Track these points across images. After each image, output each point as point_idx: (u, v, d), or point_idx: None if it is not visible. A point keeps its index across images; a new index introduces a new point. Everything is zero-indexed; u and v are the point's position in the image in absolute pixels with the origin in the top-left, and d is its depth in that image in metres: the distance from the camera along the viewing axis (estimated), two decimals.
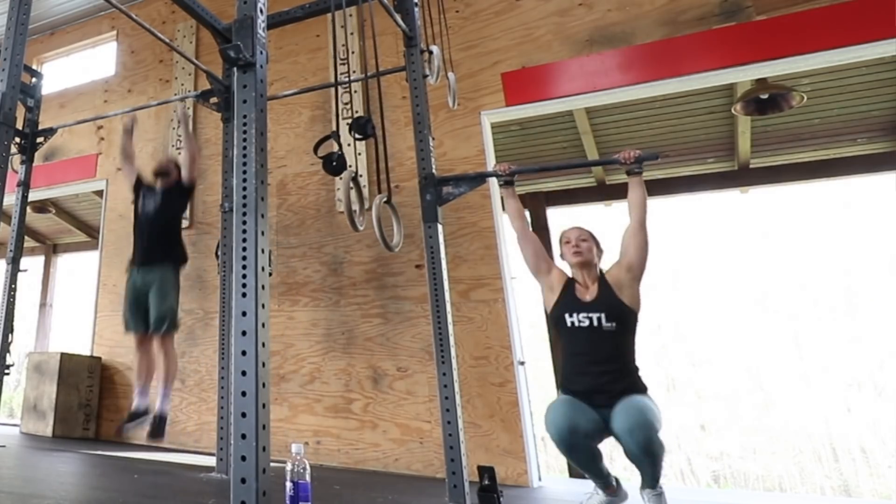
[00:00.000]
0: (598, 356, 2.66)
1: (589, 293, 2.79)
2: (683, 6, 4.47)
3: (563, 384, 2.78)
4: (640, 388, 2.64)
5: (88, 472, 3.65)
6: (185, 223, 5.93)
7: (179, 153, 6.14)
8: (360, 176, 5.01)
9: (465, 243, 4.65)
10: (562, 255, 2.92)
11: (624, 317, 2.70)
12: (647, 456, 2.46)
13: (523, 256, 3.04)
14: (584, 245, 2.83)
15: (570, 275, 2.90)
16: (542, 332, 6.45)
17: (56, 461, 3.91)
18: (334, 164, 2.37)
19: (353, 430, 4.73)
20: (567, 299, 2.81)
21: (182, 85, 6.36)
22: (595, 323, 2.69)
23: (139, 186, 4.33)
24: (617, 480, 2.77)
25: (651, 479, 2.59)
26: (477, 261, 4.59)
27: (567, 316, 2.76)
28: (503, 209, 3.68)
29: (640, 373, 2.70)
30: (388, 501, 2.95)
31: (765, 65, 4.18)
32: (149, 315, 3.99)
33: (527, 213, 6.56)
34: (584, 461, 2.63)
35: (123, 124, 4.47)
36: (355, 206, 2.42)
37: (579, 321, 2.72)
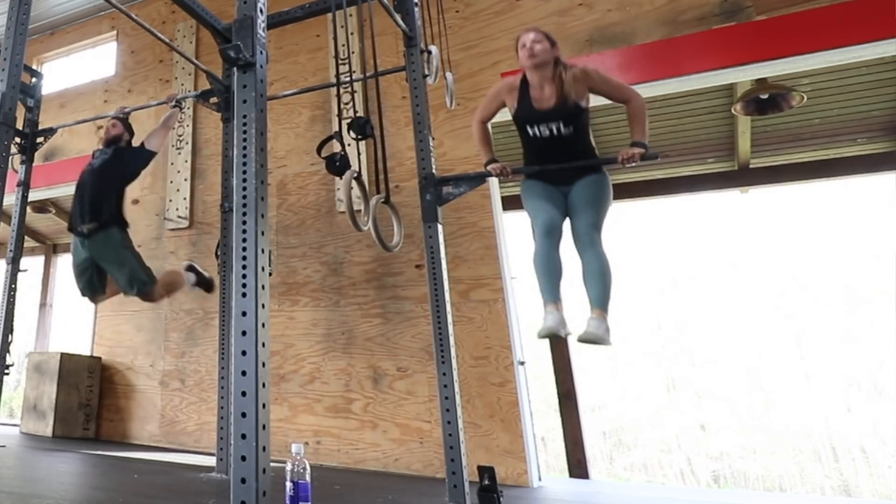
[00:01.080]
0: (558, 156, 2.96)
1: (545, 100, 2.97)
2: (683, 6, 4.47)
3: (530, 175, 3.09)
4: (595, 167, 2.98)
5: (88, 472, 3.65)
6: (184, 223, 5.97)
7: (179, 152, 6.15)
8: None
9: (465, 243, 4.65)
10: (519, 60, 3.07)
11: (581, 118, 2.97)
12: (591, 241, 2.77)
13: (484, 113, 3.26)
14: (539, 47, 2.95)
15: (520, 76, 3.08)
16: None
17: (56, 461, 3.91)
18: (337, 164, 2.37)
19: (353, 430, 4.73)
20: (525, 107, 3.00)
21: (182, 85, 6.36)
22: (555, 132, 2.94)
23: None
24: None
25: (599, 281, 2.73)
26: (477, 261, 4.59)
27: (528, 127, 3.00)
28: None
29: (595, 151, 3.10)
30: (388, 501, 2.95)
31: (765, 65, 4.18)
32: (101, 281, 3.88)
33: (526, 214, 6.57)
34: (553, 267, 2.84)
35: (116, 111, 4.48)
36: (358, 206, 2.42)
37: (540, 132, 2.96)
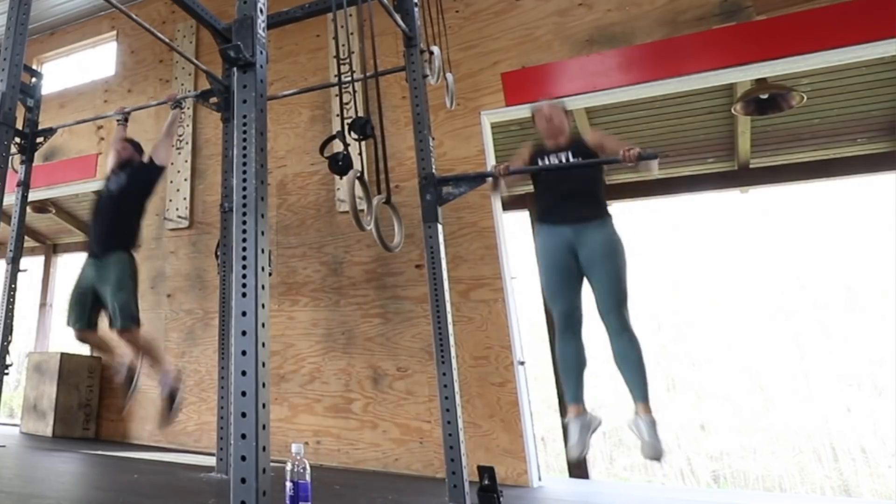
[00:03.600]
0: (566, 185, 3.08)
1: (559, 141, 3.22)
2: (683, 6, 4.47)
3: (538, 216, 3.21)
4: (602, 209, 3.06)
5: (88, 472, 3.65)
6: (184, 223, 5.97)
7: (179, 152, 6.15)
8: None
9: (465, 243, 4.65)
10: (538, 127, 3.31)
11: (590, 155, 3.10)
12: (614, 286, 2.80)
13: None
14: (557, 119, 3.24)
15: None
16: (542, 332, 6.45)
17: (56, 461, 3.91)
18: (340, 163, 2.37)
19: (353, 430, 4.73)
20: (537, 150, 3.25)
21: (182, 85, 6.36)
22: (563, 160, 3.10)
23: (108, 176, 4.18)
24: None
25: (636, 369, 2.72)
26: (477, 261, 4.59)
27: (539, 160, 3.17)
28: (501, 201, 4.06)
29: (603, 198, 3.14)
30: (388, 501, 2.95)
31: (765, 65, 4.18)
32: (93, 311, 3.83)
33: (526, 214, 6.57)
34: (573, 364, 2.88)
35: (118, 116, 4.50)
36: (362, 206, 2.42)
37: (549, 161, 3.14)
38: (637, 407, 2.70)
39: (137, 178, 4.05)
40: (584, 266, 2.92)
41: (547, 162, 3.12)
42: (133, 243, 3.93)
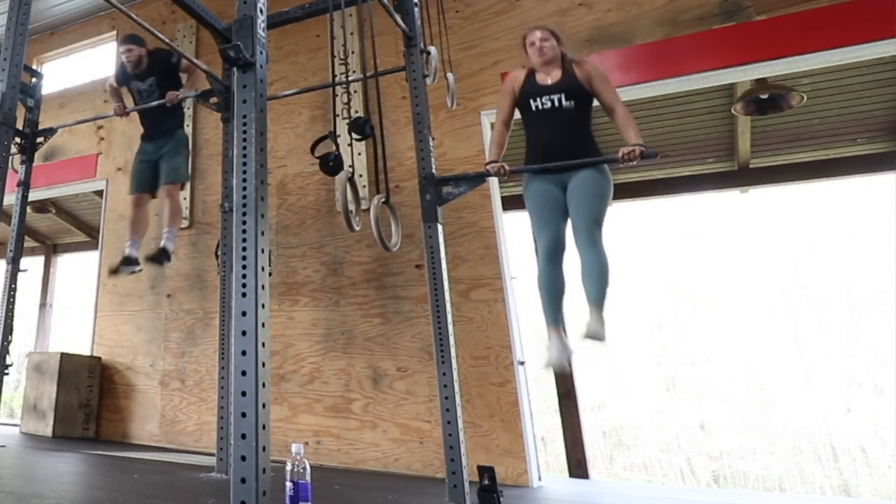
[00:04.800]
0: (559, 133, 3.02)
1: (551, 77, 3.11)
2: (683, 6, 4.47)
3: (529, 160, 3.15)
4: (595, 155, 3.02)
5: (88, 472, 3.65)
6: (185, 223, 5.96)
7: None
8: (360, 176, 5.01)
9: (465, 243, 4.65)
10: (529, 56, 3.22)
11: (582, 97, 3.04)
12: (591, 240, 2.82)
13: (503, 114, 3.33)
14: (548, 44, 3.13)
15: (527, 68, 3.21)
16: (542, 332, 6.45)
17: (56, 461, 3.91)
18: (331, 164, 2.37)
19: (353, 430, 4.74)
20: (529, 86, 3.13)
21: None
22: (556, 104, 3.02)
23: (125, 80, 4.62)
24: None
25: (598, 280, 2.80)
26: (477, 261, 4.59)
27: (531, 101, 3.08)
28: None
29: (595, 141, 3.10)
30: (388, 501, 2.95)
31: (765, 65, 4.18)
32: (153, 178, 4.43)
33: (526, 214, 6.57)
34: (553, 289, 2.93)
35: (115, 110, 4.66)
36: (351, 207, 2.42)
37: (542, 104, 3.05)
38: (591, 310, 2.83)
39: (165, 76, 4.47)
40: (568, 196, 2.97)
41: (539, 104, 3.06)
42: (182, 123, 4.65)
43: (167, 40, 3.72)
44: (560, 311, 2.96)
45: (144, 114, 4.54)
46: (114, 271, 4.39)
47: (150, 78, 4.49)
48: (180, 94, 4.30)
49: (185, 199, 6.03)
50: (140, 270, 4.48)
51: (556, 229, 2.96)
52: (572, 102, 3.02)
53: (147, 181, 4.47)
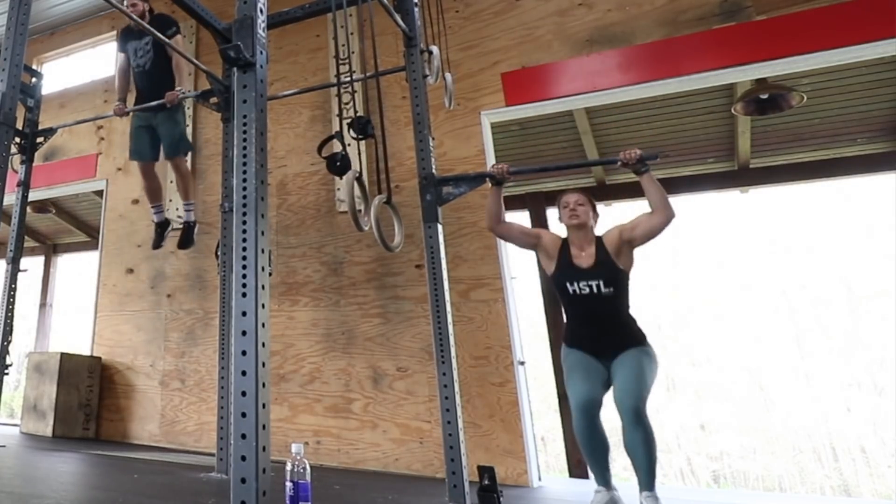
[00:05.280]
0: (598, 317, 2.90)
1: (585, 258, 2.98)
2: (683, 6, 4.47)
3: (568, 339, 3.01)
4: (639, 339, 2.88)
5: (88, 472, 3.65)
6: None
7: None
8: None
9: (465, 243, 4.65)
10: (559, 219, 3.09)
11: (620, 281, 2.91)
12: (637, 418, 2.70)
13: (514, 245, 3.27)
14: (581, 209, 3.01)
15: (562, 236, 3.08)
16: (542, 332, 6.45)
17: (56, 461, 3.91)
18: (338, 164, 2.37)
19: (353, 430, 4.74)
20: (565, 266, 2.99)
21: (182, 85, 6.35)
22: (595, 290, 2.89)
23: (125, 42, 4.63)
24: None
25: (645, 460, 2.74)
26: (477, 261, 4.59)
27: (568, 285, 2.95)
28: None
29: (638, 323, 2.94)
30: (388, 501, 2.95)
31: (765, 65, 4.18)
32: (153, 145, 4.52)
33: (526, 214, 6.57)
34: (596, 445, 2.85)
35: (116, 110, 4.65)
36: (359, 206, 2.42)
37: (580, 289, 2.92)
38: (642, 489, 2.78)
39: (163, 48, 4.41)
40: (613, 371, 2.85)
41: (576, 289, 2.91)
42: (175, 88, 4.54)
43: (167, 40, 3.72)
44: (607, 470, 2.87)
45: (139, 77, 4.55)
46: (156, 245, 4.84)
47: (148, 37, 4.48)
48: (180, 95, 4.30)
49: None
50: (172, 231, 4.88)
51: (592, 389, 2.83)
52: (611, 289, 2.87)
53: (147, 150, 4.54)
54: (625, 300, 2.93)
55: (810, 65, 4.17)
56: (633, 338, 2.88)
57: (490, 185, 3.19)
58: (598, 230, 3.07)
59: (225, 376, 3.78)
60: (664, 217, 2.87)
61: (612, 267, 2.90)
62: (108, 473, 3.60)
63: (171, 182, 6.15)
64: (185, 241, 4.75)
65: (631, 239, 2.92)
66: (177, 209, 6.04)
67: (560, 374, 5.85)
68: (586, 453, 2.91)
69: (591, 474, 3.13)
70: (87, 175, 6.94)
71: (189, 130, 6.19)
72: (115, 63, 4.89)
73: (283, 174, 5.61)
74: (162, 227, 4.80)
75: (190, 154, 4.85)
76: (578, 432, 2.86)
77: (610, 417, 2.89)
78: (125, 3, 4.48)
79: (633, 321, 2.93)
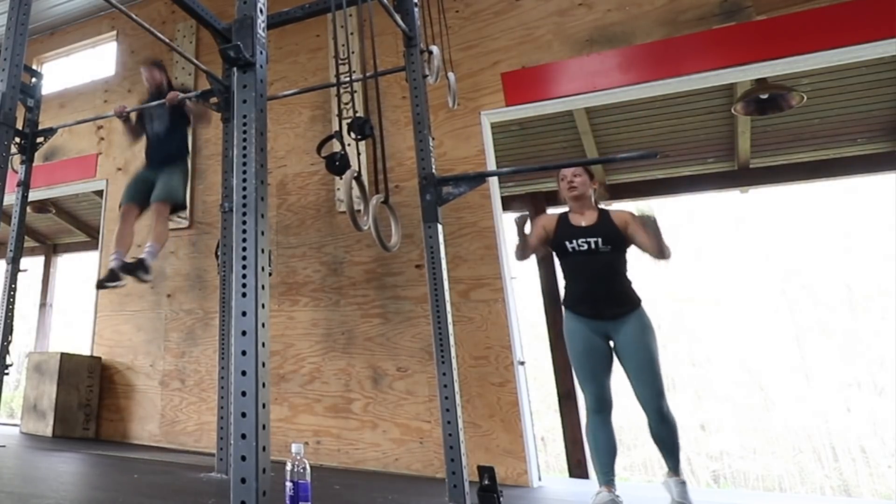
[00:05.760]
0: (596, 274, 3.00)
1: (585, 219, 3.10)
2: (683, 6, 4.47)
3: (568, 303, 3.10)
4: (635, 301, 2.98)
5: (88, 472, 3.65)
6: (185, 223, 5.97)
7: None
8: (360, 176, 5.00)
9: (465, 243, 4.65)
10: (560, 193, 3.23)
11: (619, 242, 3.02)
12: (661, 415, 2.84)
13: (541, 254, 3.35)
14: (578, 180, 3.15)
15: (557, 213, 3.21)
16: (542, 332, 6.45)
17: (56, 461, 3.91)
18: (337, 163, 2.37)
19: (353, 430, 4.74)
20: (564, 228, 3.12)
21: (182, 85, 6.35)
22: (593, 247, 3.00)
23: (141, 117, 4.60)
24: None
25: (672, 449, 2.88)
26: (477, 261, 4.59)
27: (567, 243, 3.06)
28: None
29: (633, 286, 3.04)
30: (388, 501, 2.95)
31: (765, 65, 4.18)
32: (146, 194, 4.28)
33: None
34: (603, 446, 2.94)
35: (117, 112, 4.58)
36: (358, 206, 2.42)
37: (578, 246, 3.03)
38: (669, 472, 2.95)
39: (181, 115, 4.43)
40: (619, 353, 2.96)
41: (575, 245, 3.02)
42: (185, 154, 4.56)
43: (167, 40, 3.72)
44: (611, 470, 2.94)
45: (149, 144, 4.51)
46: (100, 286, 4.22)
47: (168, 119, 4.47)
48: (180, 95, 4.29)
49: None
50: (124, 285, 4.25)
51: (599, 386, 2.95)
52: (609, 247, 2.98)
53: (139, 195, 4.33)
54: (623, 260, 3.03)
55: (810, 65, 4.17)
56: (630, 300, 2.97)
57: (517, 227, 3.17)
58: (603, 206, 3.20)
59: (225, 376, 3.78)
60: (656, 258, 2.98)
61: (612, 228, 3.02)
62: (108, 473, 3.60)
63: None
64: (132, 268, 4.07)
65: (630, 236, 3.02)
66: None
67: (560, 373, 5.85)
68: (593, 452, 2.99)
69: (592, 474, 3.19)
70: (87, 175, 6.94)
71: (189, 131, 6.19)
72: (126, 113, 4.65)
73: (283, 174, 5.61)
74: (113, 276, 4.14)
75: (178, 202, 4.37)
76: (590, 433, 2.97)
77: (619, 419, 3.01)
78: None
79: (630, 283, 3.02)
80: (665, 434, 2.88)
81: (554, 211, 3.31)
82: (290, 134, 5.67)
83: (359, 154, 2.75)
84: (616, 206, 3.22)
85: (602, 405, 2.95)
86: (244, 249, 1.82)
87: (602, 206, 3.18)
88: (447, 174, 3.70)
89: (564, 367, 5.80)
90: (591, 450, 3.01)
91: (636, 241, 3.00)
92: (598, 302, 2.96)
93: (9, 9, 3.12)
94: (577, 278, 3.07)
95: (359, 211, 2.43)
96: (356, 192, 2.47)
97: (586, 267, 3.01)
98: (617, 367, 2.99)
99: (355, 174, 2.42)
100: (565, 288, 3.16)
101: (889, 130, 5.43)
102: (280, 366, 5.12)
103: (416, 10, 3.57)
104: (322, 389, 4.95)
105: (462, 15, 5.15)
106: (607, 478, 2.92)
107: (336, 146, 2.40)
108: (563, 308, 3.14)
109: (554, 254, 3.19)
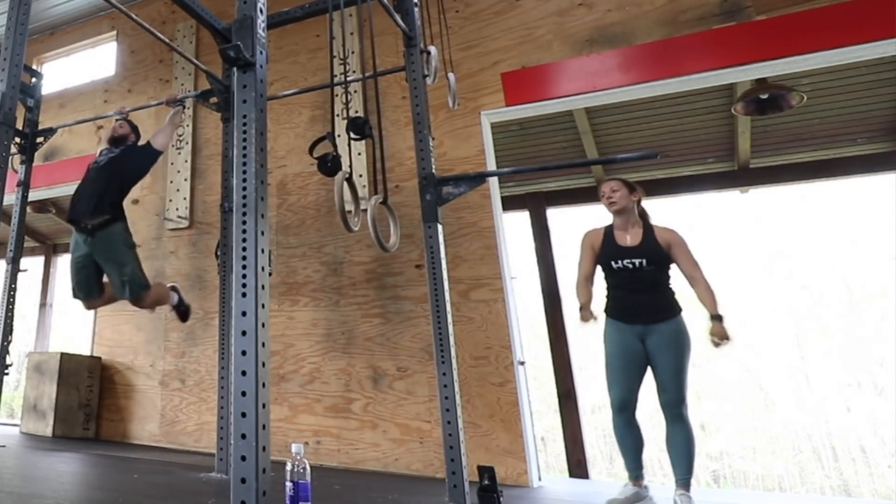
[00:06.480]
0: (638, 288, 3.09)
1: (630, 237, 3.17)
2: (683, 6, 4.47)
3: (609, 311, 3.19)
4: (674, 309, 3.08)
5: (88, 472, 3.65)
6: (184, 223, 5.97)
7: (179, 152, 6.15)
8: (360, 176, 5.01)
9: (465, 243, 4.65)
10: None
11: (662, 260, 3.11)
12: (677, 419, 2.92)
13: (586, 268, 3.37)
14: (617, 195, 3.21)
15: (603, 227, 3.29)
16: (542, 332, 6.45)
17: (56, 461, 3.91)
18: (329, 164, 2.37)
19: (353, 430, 4.73)
20: (609, 246, 3.19)
21: (182, 85, 6.35)
22: (637, 266, 3.09)
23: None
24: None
25: (683, 457, 2.93)
26: (477, 261, 4.59)
27: (613, 262, 3.15)
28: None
29: (676, 296, 3.13)
30: (388, 501, 2.95)
31: (765, 65, 4.18)
32: (97, 281, 3.82)
33: (527, 214, 6.57)
34: (630, 442, 3.04)
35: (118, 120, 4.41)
36: (349, 207, 2.41)
37: (623, 265, 3.11)
38: (678, 486, 2.98)
39: (132, 154, 3.97)
40: (650, 353, 3.03)
41: (620, 265, 3.12)
42: (122, 214, 3.80)
43: (167, 40, 3.72)
44: (640, 466, 3.06)
45: (81, 191, 3.88)
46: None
47: (110, 153, 4.00)
48: (180, 95, 4.27)
49: (185, 199, 6.04)
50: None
51: (628, 389, 3.03)
52: (654, 267, 3.09)
53: (93, 287, 3.85)
54: (666, 276, 3.12)
55: (810, 65, 4.17)
56: (670, 308, 3.05)
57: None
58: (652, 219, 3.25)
59: (225, 376, 3.78)
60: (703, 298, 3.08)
61: (656, 248, 3.10)
62: (108, 473, 3.60)
63: (171, 182, 6.16)
64: (184, 314, 4.22)
65: (673, 258, 3.12)
66: (177, 209, 6.06)
67: (560, 373, 5.85)
68: (621, 449, 3.10)
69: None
70: None
71: (189, 132, 6.20)
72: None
73: (283, 174, 5.61)
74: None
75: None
76: (617, 430, 3.06)
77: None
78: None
79: (673, 293, 3.11)
80: (679, 439, 2.94)
81: (556, 210, 3.33)
82: (290, 134, 5.67)
83: (358, 154, 2.75)
84: (660, 223, 3.27)
85: (626, 405, 3.03)
86: (244, 249, 1.82)
87: (648, 218, 3.24)
88: (447, 174, 3.70)
89: (564, 366, 5.81)
90: (619, 445, 3.10)
91: (679, 268, 3.10)
92: (638, 309, 3.06)
93: (9, 9, 3.12)
94: (620, 291, 3.16)
95: (350, 212, 2.42)
96: (347, 193, 2.47)
97: (631, 283, 3.11)
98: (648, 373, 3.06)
99: (346, 175, 2.41)
100: (607, 297, 3.24)
101: (889, 130, 5.43)
102: (280, 366, 5.12)
103: (416, 10, 3.57)
104: (322, 389, 4.95)
105: (462, 15, 5.15)
106: (635, 473, 3.04)
107: (330, 147, 2.40)
108: (604, 315, 3.22)
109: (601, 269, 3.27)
